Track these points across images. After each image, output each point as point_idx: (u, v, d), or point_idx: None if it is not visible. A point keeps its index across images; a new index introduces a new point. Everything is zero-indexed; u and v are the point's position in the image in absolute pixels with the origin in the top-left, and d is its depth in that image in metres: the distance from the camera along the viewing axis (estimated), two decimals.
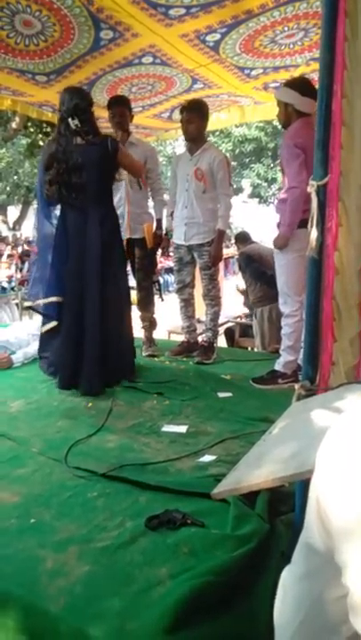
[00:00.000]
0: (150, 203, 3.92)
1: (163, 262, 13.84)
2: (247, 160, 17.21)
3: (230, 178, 3.68)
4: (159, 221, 3.77)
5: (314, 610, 0.62)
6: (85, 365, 2.98)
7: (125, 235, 3.63)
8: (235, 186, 18.26)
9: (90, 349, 2.97)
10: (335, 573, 0.56)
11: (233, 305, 6.30)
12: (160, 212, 3.81)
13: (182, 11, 2.58)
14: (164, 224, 3.85)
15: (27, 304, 3.59)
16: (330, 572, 0.57)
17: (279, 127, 3.17)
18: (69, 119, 2.92)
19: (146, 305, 3.84)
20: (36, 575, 1.42)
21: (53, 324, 3.13)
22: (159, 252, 3.95)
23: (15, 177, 17.43)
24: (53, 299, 3.10)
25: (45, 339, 3.24)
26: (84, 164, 2.93)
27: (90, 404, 2.79)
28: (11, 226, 18.99)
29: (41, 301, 3.16)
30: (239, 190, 18.99)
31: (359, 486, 0.53)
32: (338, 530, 0.55)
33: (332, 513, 0.56)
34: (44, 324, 3.23)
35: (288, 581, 0.69)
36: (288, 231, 2.87)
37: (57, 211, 3.17)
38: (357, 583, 0.52)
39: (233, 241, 9.14)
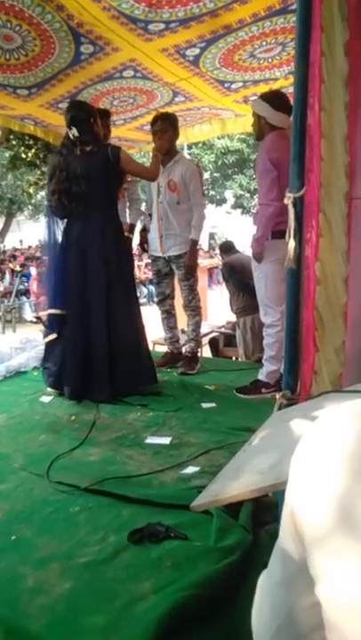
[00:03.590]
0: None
1: (147, 273, 13.88)
2: (230, 171, 17.34)
3: (203, 188, 3.71)
4: (132, 226, 3.77)
5: (290, 617, 0.62)
6: (96, 376, 3.01)
7: None
8: (218, 197, 18.42)
9: (99, 360, 3.01)
10: (310, 581, 0.56)
11: (217, 315, 6.33)
12: (135, 219, 3.83)
13: (162, 26, 2.61)
14: (139, 226, 3.88)
15: (33, 315, 3.77)
16: (305, 580, 0.57)
17: None
18: (68, 129, 3.01)
19: None
20: (17, 594, 1.39)
21: (54, 335, 3.15)
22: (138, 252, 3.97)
23: None
24: (53, 311, 3.11)
25: (48, 350, 3.25)
26: (84, 174, 2.96)
27: (73, 418, 2.77)
28: None
29: (42, 313, 3.20)
30: (222, 201, 19.14)
31: (330, 496, 0.53)
32: (310, 539, 0.55)
33: (304, 522, 0.56)
34: (46, 335, 3.24)
35: (265, 588, 0.69)
36: (257, 246, 2.92)
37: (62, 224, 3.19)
38: (328, 597, 0.52)
39: (217, 251, 9.19)
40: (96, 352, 3.03)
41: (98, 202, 3.03)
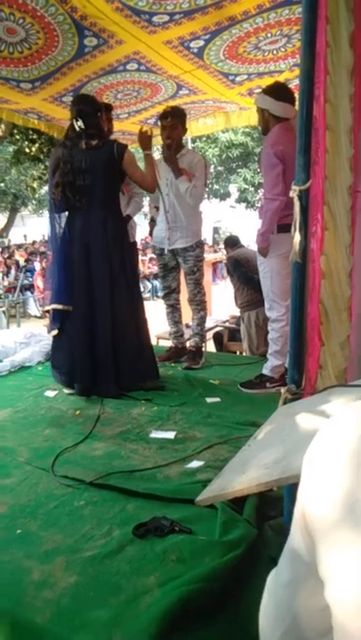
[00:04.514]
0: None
1: (151, 268, 13.88)
2: (234, 165, 17.27)
3: (207, 179, 3.69)
4: (128, 217, 3.72)
5: (297, 619, 0.61)
6: (102, 373, 3.01)
7: None
8: (222, 191, 18.35)
9: (104, 357, 3.01)
10: (319, 583, 0.55)
11: (222, 309, 6.32)
12: (133, 212, 3.79)
13: (166, 18, 2.59)
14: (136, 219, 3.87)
15: (42, 310, 3.69)
16: (314, 582, 0.56)
17: None
18: (74, 121, 2.97)
19: None
20: (22, 587, 1.40)
21: (56, 331, 3.13)
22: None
23: (2, 184, 17.39)
24: (56, 306, 3.08)
25: (56, 348, 3.21)
26: (88, 167, 2.94)
27: (77, 412, 2.78)
28: None
29: (47, 307, 3.18)
30: (227, 195, 19.06)
31: (342, 495, 0.52)
32: (320, 538, 0.54)
33: (316, 521, 0.55)
34: (51, 329, 3.22)
35: (272, 588, 0.69)
36: (262, 241, 2.89)
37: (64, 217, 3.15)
38: (339, 600, 0.51)
39: (222, 245, 9.17)
40: (101, 349, 3.02)
41: (101, 196, 3.01)
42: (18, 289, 10.86)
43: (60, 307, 3.07)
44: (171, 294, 3.80)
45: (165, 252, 3.65)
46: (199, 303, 3.69)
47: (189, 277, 3.63)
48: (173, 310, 3.86)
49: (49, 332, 3.26)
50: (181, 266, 3.66)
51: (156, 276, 13.05)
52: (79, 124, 2.96)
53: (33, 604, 1.34)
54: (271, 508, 1.72)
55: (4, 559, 1.53)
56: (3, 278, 11.54)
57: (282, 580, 0.65)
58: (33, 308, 10.74)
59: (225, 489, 1.01)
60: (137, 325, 3.17)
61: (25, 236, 20.73)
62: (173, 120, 3.48)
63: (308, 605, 0.59)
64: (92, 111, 3.00)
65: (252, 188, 17.34)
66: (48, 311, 3.22)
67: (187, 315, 3.96)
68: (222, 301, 7.11)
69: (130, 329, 3.10)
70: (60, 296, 3.08)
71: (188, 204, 3.51)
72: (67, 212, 3.12)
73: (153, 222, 3.84)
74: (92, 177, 2.96)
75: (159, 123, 3.58)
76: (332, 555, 0.52)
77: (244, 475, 1.00)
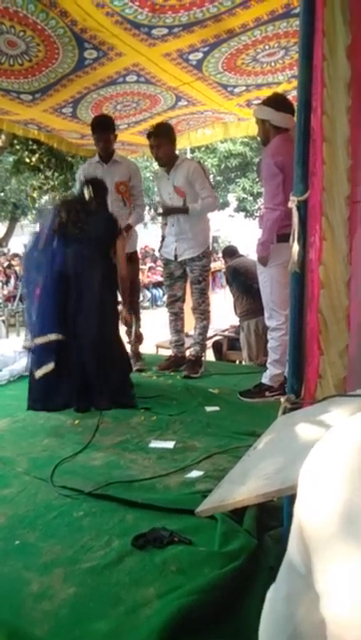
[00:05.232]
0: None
1: (150, 277, 13.90)
2: (233, 175, 17.35)
3: (210, 181, 3.73)
4: (129, 226, 3.72)
5: (297, 632, 0.61)
6: (92, 389, 3.01)
7: None
8: (221, 200, 18.41)
9: (94, 376, 3.00)
10: (316, 597, 0.54)
11: (221, 318, 6.32)
12: (135, 222, 3.83)
13: (165, 31, 2.62)
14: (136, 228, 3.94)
15: (25, 345, 3.10)
16: (312, 595, 0.56)
17: None
18: (85, 188, 3.21)
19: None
20: (21, 598, 1.39)
21: (50, 366, 2.91)
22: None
23: (2, 194, 17.46)
24: (52, 336, 2.92)
25: (46, 384, 2.96)
26: (91, 219, 3.10)
27: (76, 422, 2.77)
28: None
29: (41, 340, 2.92)
30: (225, 205, 19.14)
31: (338, 508, 0.52)
32: (317, 553, 0.54)
33: (312, 535, 0.55)
34: (38, 366, 2.93)
35: (272, 601, 0.68)
36: (263, 250, 2.92)
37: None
38: (335, 614, 0.51)
39: (220, 254, 9.19)
40: (90, 369, 3.00)
41: (96, 240, 3.08)
42: (17, 298, 10.84)
43: (58, 337, 2.93)
44: (175, 302, 3.83)
45: (171, 261, 3.69)
46: (203, 312, 3.71)
47: (195, 287, 3.67)
48: (176, 319, 3.87)
49: (37, 369, 2.93)
50: (188, 275, 3.69)
51: (155, 285, 13.08)
52: (89, 191, 3.15)
53: (32, 615, 1.33)
54: (271, 518, 1.71)
55: (2, 570, 1.52)
56: (2, 287, 11.53)
57: (280, 594, 0.64)
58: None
59: (225, 500, 1.01)
60: (116, 346, 3.17)
61: (25, 246, 20.71)
62: (157, 140, 3.54)
63: (308, 618, 0.59)
64: (101, 190, 3.24)
65: (251, 198, 17.42)
66: (29, 348, 2.98)
67: (188, 324, 3.98)
68: (222, 310, 7.11)
69: (110, 348, 3.09)
70: (53, 326, 2.94)
71: (191, 214, 3.56)
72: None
73: (163, 239, 3.89)
74: (92, 225, 3.08)
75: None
76: (328, 568, 0.52)
77: (245, 485, 1.00)
